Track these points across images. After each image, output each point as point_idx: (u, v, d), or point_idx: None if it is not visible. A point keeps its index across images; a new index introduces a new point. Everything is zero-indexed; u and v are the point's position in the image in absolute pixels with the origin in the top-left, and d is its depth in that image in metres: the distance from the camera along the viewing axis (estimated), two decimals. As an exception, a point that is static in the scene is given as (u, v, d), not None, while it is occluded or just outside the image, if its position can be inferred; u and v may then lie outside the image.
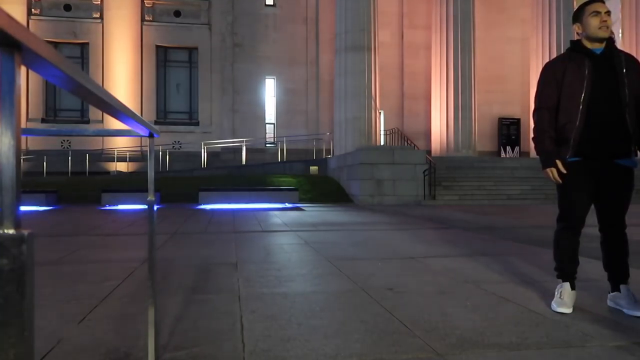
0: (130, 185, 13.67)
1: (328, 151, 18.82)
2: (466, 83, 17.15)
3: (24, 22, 19.78)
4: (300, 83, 20.04)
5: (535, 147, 2.50)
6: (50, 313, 2.39)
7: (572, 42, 2.54)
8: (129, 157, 19.78)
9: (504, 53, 20.93)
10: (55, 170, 18.28)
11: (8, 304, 0.54)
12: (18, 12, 19.39)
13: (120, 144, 19.91)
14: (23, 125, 2.58)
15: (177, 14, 21.61)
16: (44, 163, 18.15)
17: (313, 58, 20.23)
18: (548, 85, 2.48)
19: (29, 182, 14.38)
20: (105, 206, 12.25)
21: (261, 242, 5.00)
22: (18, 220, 0.56)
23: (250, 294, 2.79)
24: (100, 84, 0.94)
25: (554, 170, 2.41)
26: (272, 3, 20.45)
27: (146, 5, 21.28)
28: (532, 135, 2.52)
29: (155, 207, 1.78)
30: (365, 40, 16.47)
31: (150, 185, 1.72)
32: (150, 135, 1.60)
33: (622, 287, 2.46)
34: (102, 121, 20.38)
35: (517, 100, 20.93)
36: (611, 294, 2.51)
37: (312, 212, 9.74)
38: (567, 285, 2.48)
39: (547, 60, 17.33)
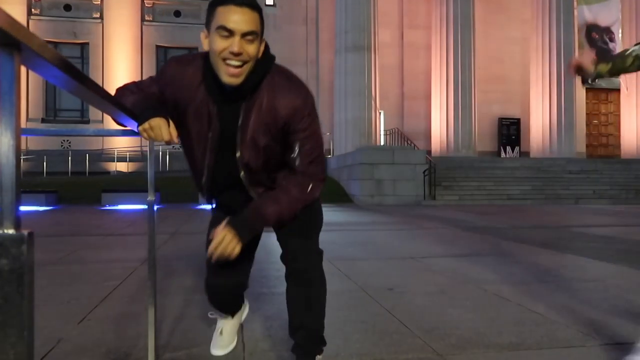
0: (130, 185, 13.66)
1: (328, 151, 18.81)
2: (466, 83, 17.14)
3: (24, 22, 19.76)
4: (300, 83, 20.01)
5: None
6: (50, 313, 2.39)
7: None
8: (129, 157, 19.77)
9: (504, 53, 20.91)
10: (55, 170, 18.26)
11: (8, 304, 0.54)
12: (18, 12, 19.37)
13: (120, 144, 19.90)
14: (23, 125, 2.58)
15: (177, 14, 21.60)
16: (44, 163, 18.14)
17: (313, 58, 20.21)
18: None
19: (29, 182, 14.37)
20: (105, 206, 12.25)
21: (261, 242, 5.00)
22: (18, 220, 0.56)
23: (250, 294, 2.79)
24: (100, 84, 0.94)
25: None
26: (272, 3, 20.44)
27: (146, 5, 21.27)
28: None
29: (155, 207, 1.78)
30: (365, 40, 16.46)
31: (150, 185, 1.73)
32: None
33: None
34: (102, 121, 20.37)
35: (517, 100, 20.91)
36: None
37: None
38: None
39: (547, 60, 17.41)
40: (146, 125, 1.32)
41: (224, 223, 1.40)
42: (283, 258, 1.59)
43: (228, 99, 1.40)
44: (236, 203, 1.55)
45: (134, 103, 1.39)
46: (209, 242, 1.53)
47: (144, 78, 1.60)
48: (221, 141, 1.45)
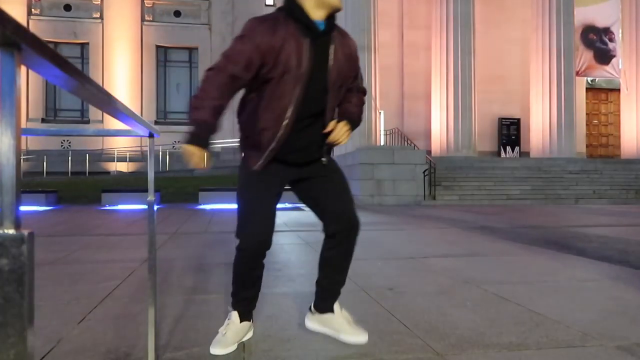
0: (130, 185, 13.67)
1: (328, 151, 18.80)
2: (466, 83, 17.14)
3: (24, 22, 19.77)
4: (300, 83, 20.03)
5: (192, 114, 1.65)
6: (50, 313, 2.39)
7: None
8: (129, 157, 19.78)
9: (504, 53, 20.91)
10: (55, 170, 18.28)
11: (8, 304, 0.54)
12: (18, 12, 19.39)
13: (120, 144, 19.91)
14: (23, 125, 2.58)
15: (177, 14, 21.61)
16: (44, 163, 18.15)
17: (313, 58, 20.22)
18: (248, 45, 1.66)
19: (29, 182, 14.38)
20: (105, 206, 12.24)
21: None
22: (18, 220, 0.56)
23: (250, 294, 2.79)
24: (100, 84, 0.94)
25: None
26: (272, 3, 20.46)
27: (146, 5, 21.28)
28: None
29: (155, 207, 1.77)
30: (365, 40, 16.45)
31: (150, 185, 1.72)
32: (150, 135, 1.60)
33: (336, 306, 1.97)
34: (102, 121, 20.37)
35: (517, 100, 20.91)
36: (324, 315, 1.96)
37: (312, 213, 9.74)
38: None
39: (547, 60, 17.40)
40: (190, 148, 1.59)
41: (334, 121, 1.82)
42: (333, 222, 1.85)
43: (320, 33, 1.70)
44: (308, 137, 1.80)
45: (200, 119, 1.63)
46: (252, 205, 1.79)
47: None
48: (312, 73, 1.69)
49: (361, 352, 1.89)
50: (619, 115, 20.99)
